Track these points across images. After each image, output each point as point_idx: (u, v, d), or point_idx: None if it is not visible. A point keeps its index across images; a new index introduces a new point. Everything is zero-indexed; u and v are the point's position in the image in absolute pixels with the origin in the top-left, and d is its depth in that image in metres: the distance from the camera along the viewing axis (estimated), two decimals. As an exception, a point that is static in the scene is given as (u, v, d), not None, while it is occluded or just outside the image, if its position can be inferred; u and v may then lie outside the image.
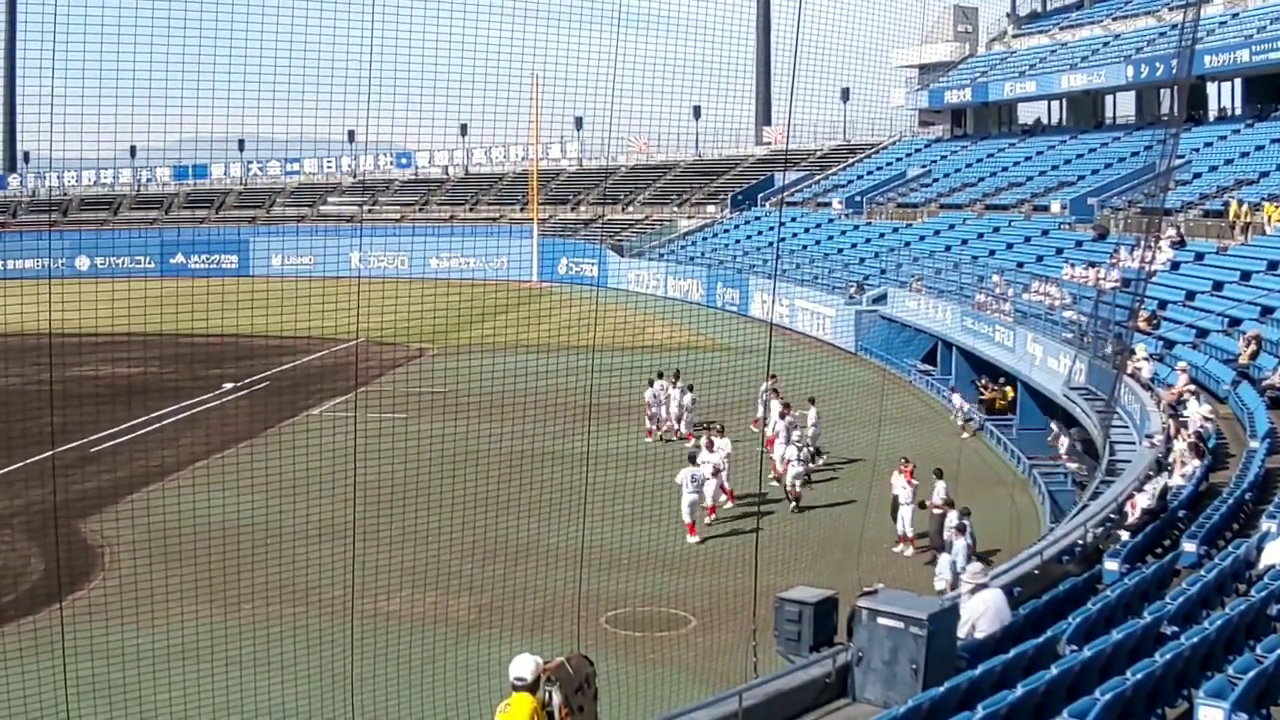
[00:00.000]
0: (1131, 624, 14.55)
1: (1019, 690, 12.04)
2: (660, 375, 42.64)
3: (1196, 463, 25.11)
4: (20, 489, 33.17)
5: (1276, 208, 47.51)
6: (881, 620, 13.85)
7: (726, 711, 13.18)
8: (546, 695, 12.30)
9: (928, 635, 13.53)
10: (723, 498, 32.37)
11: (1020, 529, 29.84)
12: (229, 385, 49.59)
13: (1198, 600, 15.95)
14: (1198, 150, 61.89)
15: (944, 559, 25.28)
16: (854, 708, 13.93)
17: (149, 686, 19.41)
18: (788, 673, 14.37)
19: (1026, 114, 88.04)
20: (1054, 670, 12.72)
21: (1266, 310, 38.23)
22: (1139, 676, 12.30)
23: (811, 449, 35.17)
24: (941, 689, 12.64)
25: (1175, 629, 14.62)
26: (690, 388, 41.82)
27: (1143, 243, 38.34)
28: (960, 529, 25.83)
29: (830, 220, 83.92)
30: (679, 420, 41.68)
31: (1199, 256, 47.92)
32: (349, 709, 17.35)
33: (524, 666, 12.18)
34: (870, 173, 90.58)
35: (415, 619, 23.92)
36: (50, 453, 30.16)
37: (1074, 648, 14.00)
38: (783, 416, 36.36)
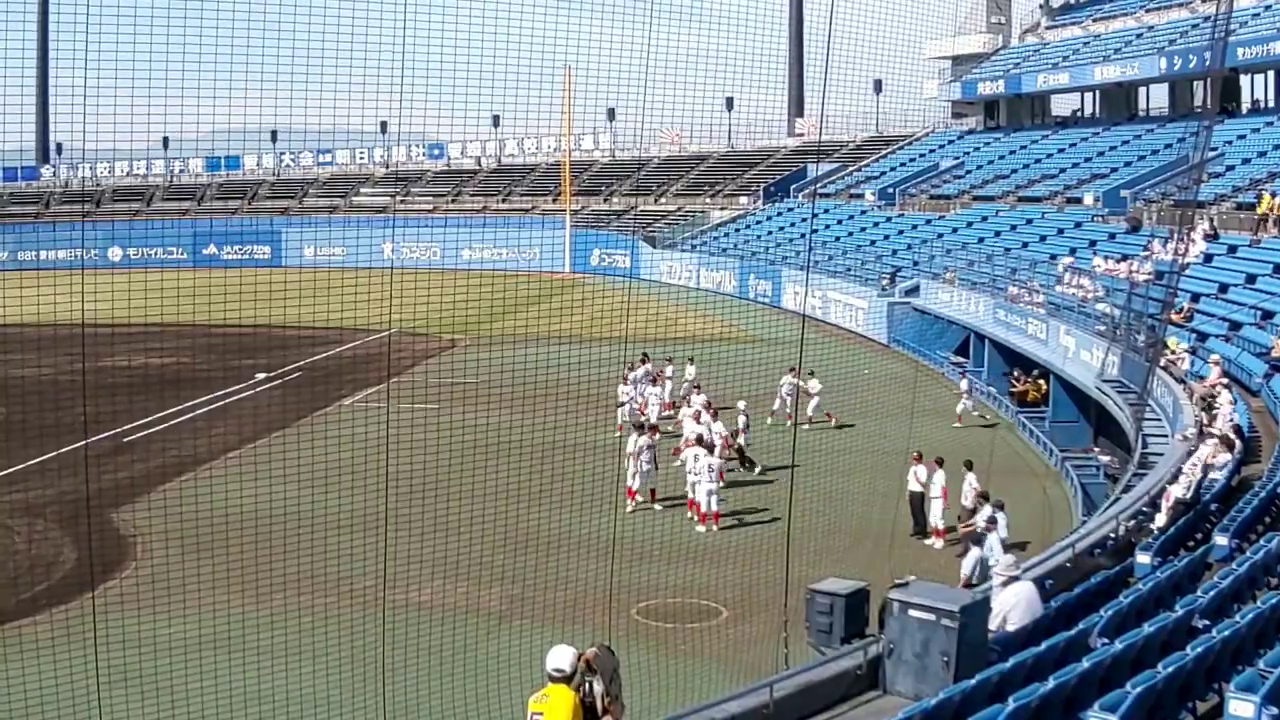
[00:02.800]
0: (1163, 617, 14.50)
1: (1050, 683, 12.00)
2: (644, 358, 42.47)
3: (1227, 456, 24.96)
4: (53, 479, 33.37)
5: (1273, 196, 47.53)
6: (913, 612, 13.84)
7: (758, 703, 13.19)
8: (587, 686, 12.03)
9: (959, 627, 13.52)
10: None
11: (1052, 521, 29.77)
12: (261, 375, 49.75)
13: (1229, 594, 15.88)
14: (1230, 143, 61.49)
15: (973, 553, 25.14)
16: (885, 700, 13.91)
17: (180, 676, 19.54)
18: (819, 664, 14.38)
19: (1060, 106, 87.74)
20: (1085, 663, 12.67)
21: (1300, 303, 38.04)
22: (1170, 670, 12.26)
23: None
24: (973, 681, 12.63)
25: (1206, 622, 14.56)
26: (654, 380, 41.24)
27: (1176, 235, 38.16)
28: (992, 521, 25.73)
29: (863, 212, 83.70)
30: (643, 409, 40.39)
31: (1232, 249, 47.69)
32: (380, 699, 17.40)
33: (563, 658, 11.91)
34: (903, 164, 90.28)
35: (446, 609, 23.96)
36: (83, 443, 30.26)
37: (1105, 641, 13.95)
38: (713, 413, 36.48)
